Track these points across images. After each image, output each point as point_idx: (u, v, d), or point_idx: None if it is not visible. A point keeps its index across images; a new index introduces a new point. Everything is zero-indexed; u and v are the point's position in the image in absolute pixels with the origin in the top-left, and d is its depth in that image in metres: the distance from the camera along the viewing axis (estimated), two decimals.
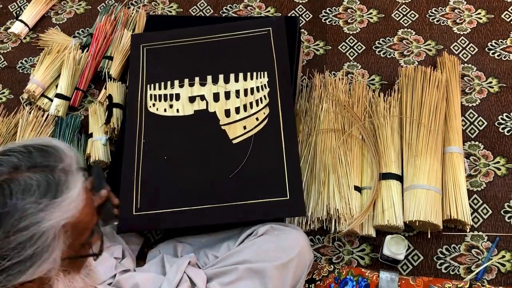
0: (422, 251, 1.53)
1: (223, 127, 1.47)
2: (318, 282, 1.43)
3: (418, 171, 1.54)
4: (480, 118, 1.75)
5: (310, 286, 1.43)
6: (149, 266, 1.35)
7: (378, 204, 1.53)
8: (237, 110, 1.49)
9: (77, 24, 2.18)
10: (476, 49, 1.90)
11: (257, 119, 1.46)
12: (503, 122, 1.73)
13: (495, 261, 1.49)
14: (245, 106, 1.49)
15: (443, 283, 1.41)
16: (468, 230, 1.54)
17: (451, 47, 1.91)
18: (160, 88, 1.56)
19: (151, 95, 1.55)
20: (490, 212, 1.57)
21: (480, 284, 1.42)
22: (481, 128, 1.73)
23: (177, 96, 1.54)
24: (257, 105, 1.48)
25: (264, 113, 1.46)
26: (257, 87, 1.51)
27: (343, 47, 1.98)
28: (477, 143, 1.70)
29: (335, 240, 1.57)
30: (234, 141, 1.44)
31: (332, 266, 1.47)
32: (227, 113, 1.49)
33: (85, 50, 1.99)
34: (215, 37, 1.63)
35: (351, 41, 1.99)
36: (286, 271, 1.24)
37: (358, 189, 1.57)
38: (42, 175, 0.80)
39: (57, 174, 0.81)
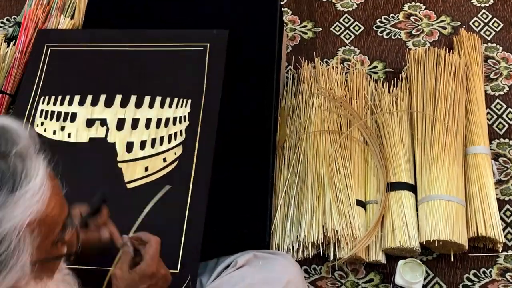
0: (444, 279, 1.54)
1: (120, 165, 1.46)
2: None
3: (435, 178, 1.55)
4: (510, 109, 1.78)
5: None
6: None
7: (387, 222, 1.54)
8: (143, 145, 1.48)
9: (0, 12, 2.18)
10: (502, 25, 1.93)
11: (164, 160, 1.45)
12: None
13: None
14: (153, 141, 1.48)
15: None
16: (500, 250, 1.55)
17: (471, 23, 1.95)
18: (55, 103, 1.55)
19: (42, 110, 1.55)
20: None
21: None
22: (511, 122, 1.76)
23: (73, 116, 1.53)
24: (169, 141, 1.47)
25: (175, 154, 1.45)
26: (174, 119, 1.50)
27: (337, 29, 2.00)
28: (507, 140, 1.73)
29: (336, 269, 1.57)
30: (129, 185, 1.42)
31: None
32: (130, 146, 1.48)
33: (12, 44, 1.98)
34: (142, 45, 1.62)
35: (347, 20, 2.01)
36: None
37: (361, 204, 1.58)
38: None
39: (11, 160, 0.80)
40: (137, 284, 1.12)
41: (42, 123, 1.53)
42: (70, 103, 1.55)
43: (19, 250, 0.79)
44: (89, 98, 1.55)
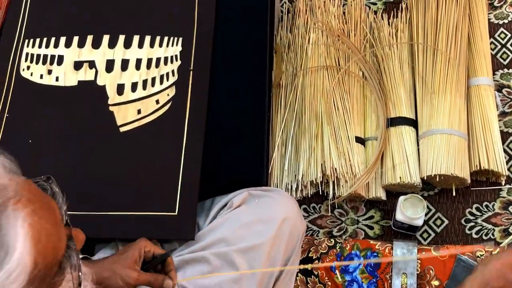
0: (446, 213, 1.57)
1: (111, 108, 1.45)
2: (316, 261, 1.47)
3: (436, 112, 1.55)
4: None
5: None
6: (103, 255, 1.38)
7: (387, 158, 1.56)
8: (134, 87, 1.47)
9: None
10: None
11: (157, 101, 1.44)
12: None
13: None
14: (144, 82, 1.47)
15: (474, 251, 1.45)
16: (503, 183, 1.57)
17: None
18: (40, 46, 1.53)
19: (27, 54, 1.53)
20: None
21: None
22: None
23: (60, 59, 1.52)
24: (161, 82, 1.46)
25: (167, 95, 1.44)
26: (166, 58, 1.48)
27: None
28: (511, 71, 1.72)
29: (335, 207, 1.60)
30: (122, 129, 1.42)
31: (332, 240, 1.51)
32: (120, 89, 1.47)
33: None
34: None
35: None
36: (275, 246, 1.28)
37: (360, 141, 1.59)
38: None
39: None
40: None
41: (28, 67, 1.52)
42: (56, 45, 1.54)
43: None
44: (76, 39, 1.54)
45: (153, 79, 1.48)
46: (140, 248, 1.12)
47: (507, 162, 1.59)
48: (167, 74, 1.47)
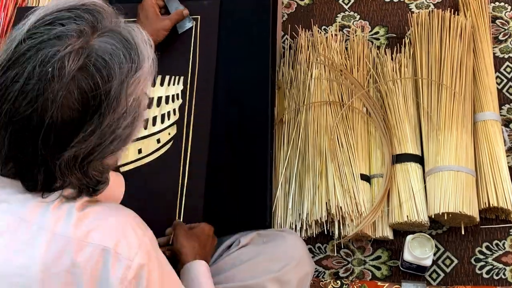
0: (455, 253, 1.54)
1: None
2: None
3: (443, 148, 1.55)
4: None
5: None
6: None
7: (394, 196, 1.55)
8: None
9: None
10: None
11: (158, 141, 1.45)
12: None
13: None
14: (145, 122, 1.45)
15: None
16: None
17: None
18: None
19: None
20: None
21: None
22: None
23: None
24: (162, 121, 1.47)
25: (168, 134, 1.45)
26: (167, 97, 1.49)
27: None
28: None
29: (341, 247, 1.58)
30: (122, 169, 1.42)
31: (338, 282, 1.49)
32: None
33: None
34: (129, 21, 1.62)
35: None
36: (284, 286, 1.26)
37: (366, 178, 1.58)
38: (111, 37, 0.87)
39: (122, 31, 0.89)
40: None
41: None
42: None
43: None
44: None
45: (154, 118, 1.47)
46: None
47: None
48: (168, 113, 1.47)
